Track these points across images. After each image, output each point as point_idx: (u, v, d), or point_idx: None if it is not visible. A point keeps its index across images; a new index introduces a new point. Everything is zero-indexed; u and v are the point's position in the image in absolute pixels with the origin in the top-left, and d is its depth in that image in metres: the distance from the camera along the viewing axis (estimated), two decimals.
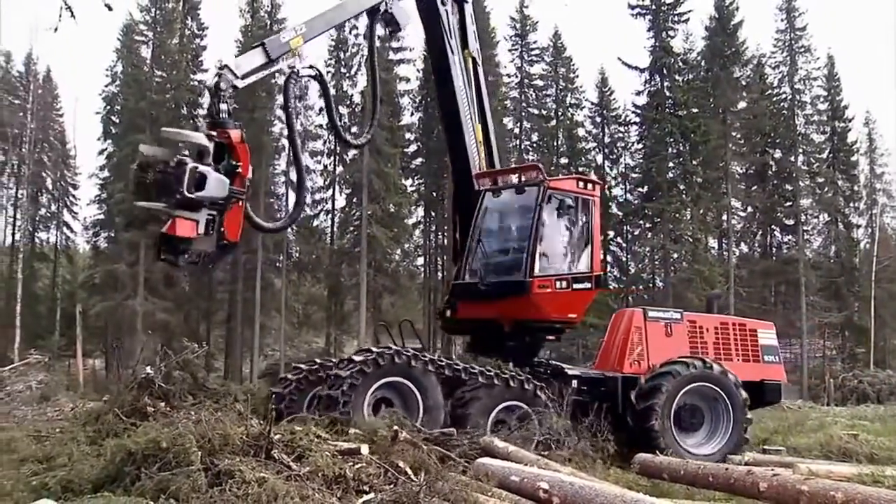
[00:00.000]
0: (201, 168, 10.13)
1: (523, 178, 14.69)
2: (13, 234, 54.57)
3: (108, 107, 46.70)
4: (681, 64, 48.54)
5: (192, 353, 17.81)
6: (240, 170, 10.71)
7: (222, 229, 10.83)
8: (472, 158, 14.96)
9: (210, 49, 48.85)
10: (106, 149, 47.36)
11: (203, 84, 14.63)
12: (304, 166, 13.27)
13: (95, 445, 14.25)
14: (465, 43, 15.39)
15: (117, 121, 46.45)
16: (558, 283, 14.03)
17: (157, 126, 41.32)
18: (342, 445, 10.86)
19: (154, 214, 11.58)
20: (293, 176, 46.17)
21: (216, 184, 10.28)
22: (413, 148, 50.25)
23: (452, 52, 14.83)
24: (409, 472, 10.21)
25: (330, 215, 48.63)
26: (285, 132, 45.60)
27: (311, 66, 12.55)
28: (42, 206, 55.93)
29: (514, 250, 14.54)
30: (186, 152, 10.66)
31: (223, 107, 10.91)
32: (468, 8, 15.73)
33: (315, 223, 48.47)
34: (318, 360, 15.63)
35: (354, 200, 46.44)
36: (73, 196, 56.77)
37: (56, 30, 11.34)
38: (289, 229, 42.46)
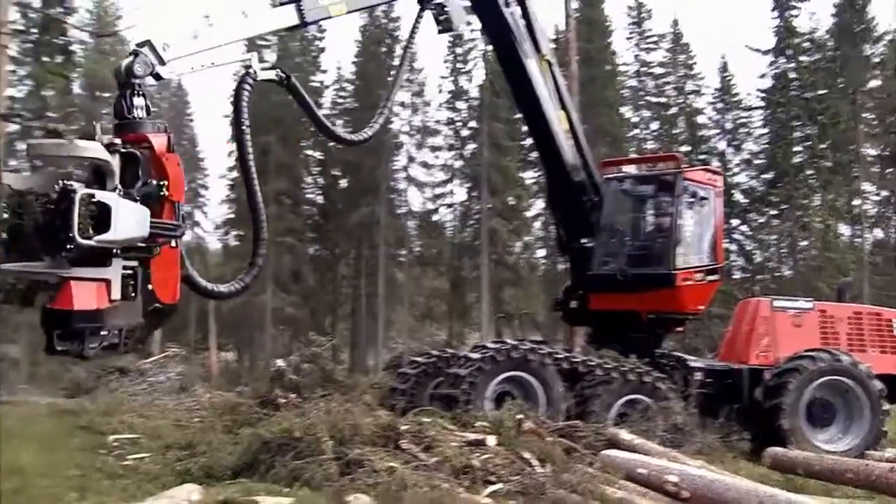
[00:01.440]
0: (101, 196, 6.74)
1: (660, 168, 14.48)
2: None
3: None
4: (807, 44, 46.57)
5: (320, 347, 18.32)
6: (165, 192, 7.59)
7: (150, 287, 7.55)
8: (563, 151, 14.54)
9: (329, 51, 49.98)
10: (233, 151, 49.07)
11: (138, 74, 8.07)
12: (260, 206, 9.75)
13: (232, 434, 14.90)
14: (536, 45, 14.30)
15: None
16: (697, 275, 13.86)
17: (280, 127, 42.63)
18: (469, 436, 10.99)
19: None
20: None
21: (130, 218, 6.95)
22: (531, 140, 49.89)
23: (527, 57, 14.20)
24: (536, 462, 10.25)
25: (450, 209, 49.04)
26: (403, 128, 46.56)
27: (273, 67, 10.07)
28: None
29: (654, 241, 14.30)
30: (76, 175, 7.28)
31: (137, 101, 8.05)
32: (531, 6, 14.51)
33: (435, 217, 48.96)
34: (434, 353, 15.82)
35: (474, 194, 46.65)
36: (205, 196, 59.29)
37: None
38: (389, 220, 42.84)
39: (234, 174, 48.69)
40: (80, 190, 6.61)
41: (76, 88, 39.36)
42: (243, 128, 9.60)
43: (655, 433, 11.70)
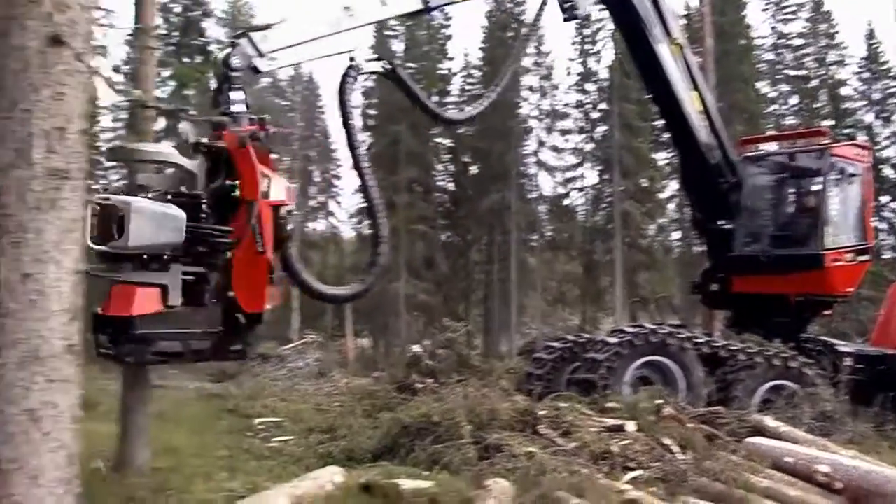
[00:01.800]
0: (115, 201, 6.42)
1: (804, 144, 13.92)
2: None
3: (366, 101, 49.20)
4: None
5: (455, 333, 18.50)
6: (237, 192, 7.21)
7: (231, 294, 7.31)
8: (697, 132, 14.05)
9: (456, 38, 50.20)
10: (365, 140, 50.05)
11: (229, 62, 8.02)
12: (376, 201, 9.43)
13: (371, 418, 15.27)
14: (667, 28, 13.76)
15: (374, 113, 48.86)
16: (846, 256, 13.27)
17: (409, 115, 43.21)
18: (607, 422, 10.87)
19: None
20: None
21: (148, 224, 6.37)
22: (663, 121, 48.68)
23: (658, 42, 13.70)
24: (676, 449, 10.04)
25: (581, 193, 48.45)
26: (533, 112, 46.31)
27: (378, 59, 9.69)
28: (311, 197, 60.12)
29: (800, 221, 13.82)
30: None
31: (235, 96, 7.83)
32: None
33: (566, 201, 48.47)
34: (570, 338, 15.70)
35: (605, 177, 45.96)
36: (338, 186, 60.76)
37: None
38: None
39: (366, 164, 49.67)
40: (94, 196, 6.32)
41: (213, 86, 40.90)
42: (350, 121, 9.27)
43: (802, 421, 11.25)
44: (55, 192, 3.00)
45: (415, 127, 43.76)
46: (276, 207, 7.47)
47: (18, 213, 2.93)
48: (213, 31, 47.75)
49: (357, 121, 9.33)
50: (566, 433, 10.85)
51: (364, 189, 9.12)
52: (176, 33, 39.53)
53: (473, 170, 48.47)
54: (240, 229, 7.15)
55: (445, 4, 11.21)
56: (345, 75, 9.11)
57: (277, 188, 7.53)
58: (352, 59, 9.09)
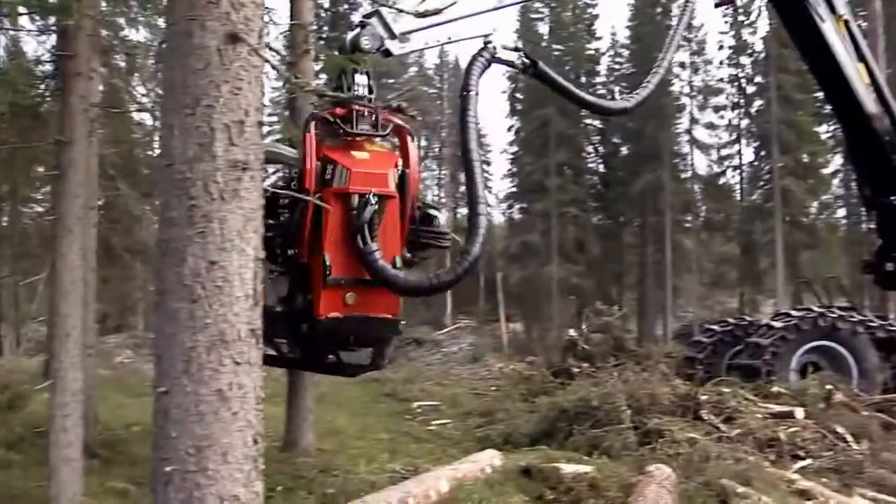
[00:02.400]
0: None
1: None
2: None
3: (513, 84, 49.04)
4: None
5: (611, 316, 18.29)
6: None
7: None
8: (865, 106, 13.16)
9: (603, 17, 49.27)
10: (514, 125, 50.02)
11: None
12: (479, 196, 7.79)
13: (527, 402, 15.35)
14: (831, 5, 13.05)
15: (522, 97, 48.72)
16: None
17: (559, 99, 42.80)
18: (773, 408, 10.52)
19: None
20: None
21: None
22: (825, 94, 46.14)
23: (823, 21, 12.86)
24: (849, 438, 9.61)
25: (737, 171, 46.68)
26: (685, 89, 44.92)
27: (517, 49, 8.72)
28: (461, 183, 60.70)
29: None
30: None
31: (359, 79, 7.47)
32: None
33: (722, 180, 46.84)
34: (731, 321, 15.23)
35: (763, 153, 44.07)
36: (487, 171, 61.08)
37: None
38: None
39: (515, 148, 49.70)
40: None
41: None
42: (468, 107, 8.06)
43: None
44: (236, 182, 3.15)
45: (564, 109, 43.34)
46: (345, 196, 6.90)
47: (204, 205, 3.10)
48: None
49: (476, 109, 8.11)
50: (729, 419, 10.60)
51: (469, 180, 8.02)
52: (325, 28, 40.74)
53: (624, 151, 47.62)
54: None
55: None
56: (475, 56, 8.29)
57: (344, 175, 6.93)
58: (487, 42, 8.30)
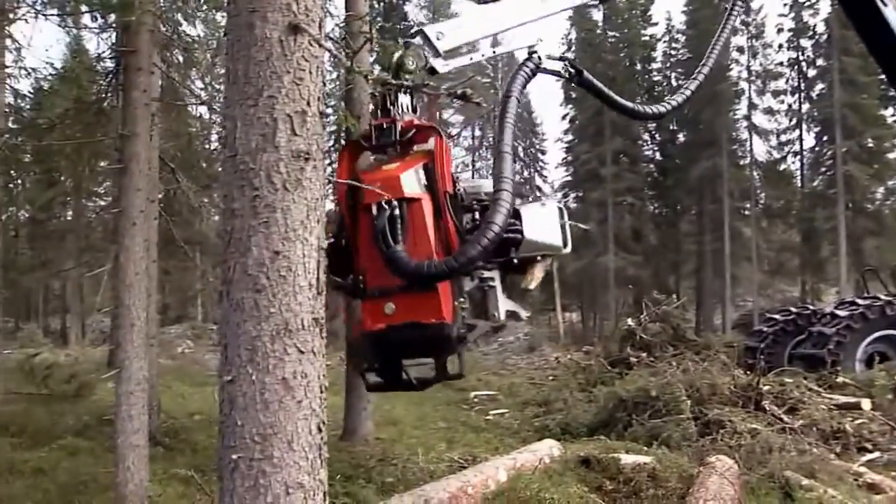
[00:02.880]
0: None
1: None
2: None
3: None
4: None
5: (669, 306, 18.08)
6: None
7: None
8: None
9: (658, 2, 48.57)
10: (568, 113, 49.69)
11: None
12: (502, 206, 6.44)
13: (585, 392, 15.28)
14: None
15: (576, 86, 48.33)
16: None
17: (614, 85, 42.42)
18: (838, 399, 10.32)
19: None
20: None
21: None
22: (888, 78, 44.81)
23: (885, 4, 12.36)
24: None
25: (798, 157, 45.73)
26: (743, 74, 44.05)
27: (562, 59, 8.34)
28: (517, 173, 60.50)
29: None
30: None
31: (403, 99, 7.30)
32: None
33: (782, 166, 45.89)
34: (793, 310, 14.94)
35: (825, 138, 43.06)
36: (542, 161, 60.87)
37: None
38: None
39: (570, 137, 49.34)
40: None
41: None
42: (512, 97, 7.77)
43: None
44: (299, 172, 3.16)
45: (619, 95, 42.89)
46: (366, 208, 6.69)
47: (267, 195, 3.11)
48: (415, 14, 48.90)
49: (516, 114, 7.76)
50: (792, 410, 10.43)
51: (498, 164, 7.54)
52: (379, 19, 40.86)
53: (681, 137, 46.98)
54: None
55: None
56: (520, 67, 8.13)
57: (362, 190, 6.73)
58: (532, 53, 8.11)
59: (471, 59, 8.29)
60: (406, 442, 11.38)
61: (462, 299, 7.32)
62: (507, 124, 7.89)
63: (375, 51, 12.24)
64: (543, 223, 7.47)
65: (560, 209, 7.75)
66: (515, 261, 7.29)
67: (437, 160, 7.52)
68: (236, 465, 3.09)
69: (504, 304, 7.55)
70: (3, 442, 10.04)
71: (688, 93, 11.25)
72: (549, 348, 32.84)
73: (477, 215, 7.64)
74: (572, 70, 8.35)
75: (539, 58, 7.99)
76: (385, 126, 7.21)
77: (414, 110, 7.44)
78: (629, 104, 11.02)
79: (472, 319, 7.35)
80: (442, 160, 7.62)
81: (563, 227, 7.72)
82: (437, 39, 7.50)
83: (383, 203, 6.77)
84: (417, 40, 7.52)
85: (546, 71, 8.21)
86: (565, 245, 7.57)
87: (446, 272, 7.32)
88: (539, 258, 7.62)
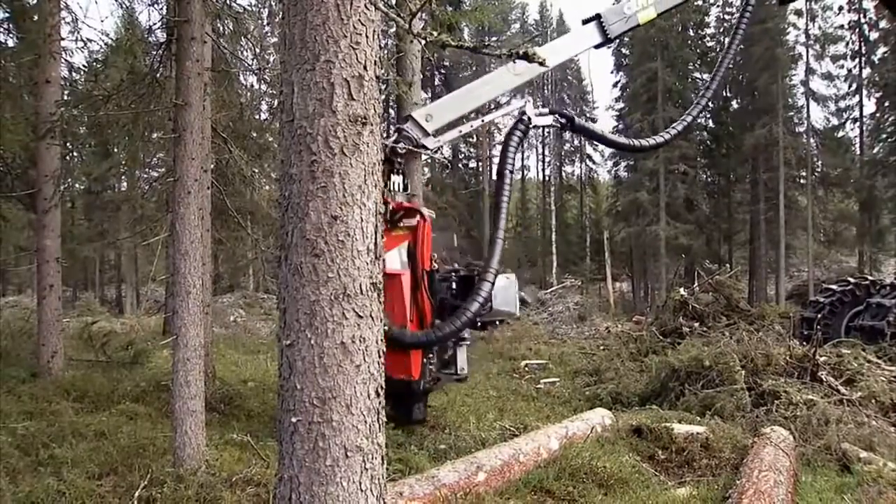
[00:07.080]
0: None
1: None
2: (543, 170, 60.61)
3: (619, 40, 48.02)
4: None
5: (723, 276, 17.85)
6: None
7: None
8: None
9: None
10: (619, 81, 49.07)
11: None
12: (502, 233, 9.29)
13: (637, 362, 15.19)
14: None
15: (628, 53, 47.67)
16: None
17: (667, 52, 41.71)
18: None
19: None
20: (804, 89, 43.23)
21: None
22: None
23: None
24: None
25: (857, 124, 44.52)
26: (801, 38, 42.87)
27: (552, 112, 9.86)
28: (566, 141, 60.09)
29: None
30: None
31: (395, 178, 8.70)
32: None
33: (840, 133, 44.71)
34: (851, 280, 14.65)
35: (886, 104, 41.86)
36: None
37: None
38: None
39: (621, 104, 48.71)
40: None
41: (465, 35, 41.63)
42: (506, 174, 9.14)
43: None
44: (356, 137, 3.15)
45: (671, 64, 42.16)
46: None
47: (325, 160, 3.11)
48: None
49: (512, 173, 9.55)
50: (850, 382, 10.27)
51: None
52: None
53: (735, 104, 46.06)
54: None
55: (630, 30, 11.03)
56: (513, 127, 9.29)
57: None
58: (522, 114, 9.27)
59: (459, 131, 9.38)
60: (457, 409, 11.43)
61: (431, 355, 8.84)
62: (503, 206, 9.14)
63: (424, 18, 12.26)
64: (505, 295, 8.76)
65: (515, 281, 9.15)
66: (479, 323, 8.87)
67: (418, 242, 8.55)
68: (296, 429, 3.12)
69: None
70: (66, 406, 10.29)
71: (689, 119, 11.80)
72: (599, 318, 32.67)
73: (454, 285, 9.00)
74: (563, 120, 9.67)
75: (528, 118, 9.20)
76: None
77: (406, 188, 8.50)
78: (627, 141, 11.78)
79: (438, 372, 9.02)
80: (423, 242, 8.62)
81: (519, 297, 9.19)
82: (427, 121, 8.51)
83: None
84: (408, 125, 8.49)
85: (538, 127, 9.55)
86: (518, 312, 9.17)
87: (424, 343, 8.63)
88: (497, 322, 9.33)
